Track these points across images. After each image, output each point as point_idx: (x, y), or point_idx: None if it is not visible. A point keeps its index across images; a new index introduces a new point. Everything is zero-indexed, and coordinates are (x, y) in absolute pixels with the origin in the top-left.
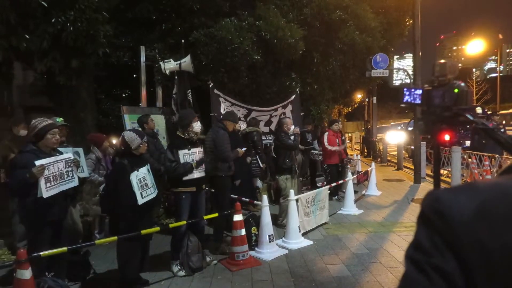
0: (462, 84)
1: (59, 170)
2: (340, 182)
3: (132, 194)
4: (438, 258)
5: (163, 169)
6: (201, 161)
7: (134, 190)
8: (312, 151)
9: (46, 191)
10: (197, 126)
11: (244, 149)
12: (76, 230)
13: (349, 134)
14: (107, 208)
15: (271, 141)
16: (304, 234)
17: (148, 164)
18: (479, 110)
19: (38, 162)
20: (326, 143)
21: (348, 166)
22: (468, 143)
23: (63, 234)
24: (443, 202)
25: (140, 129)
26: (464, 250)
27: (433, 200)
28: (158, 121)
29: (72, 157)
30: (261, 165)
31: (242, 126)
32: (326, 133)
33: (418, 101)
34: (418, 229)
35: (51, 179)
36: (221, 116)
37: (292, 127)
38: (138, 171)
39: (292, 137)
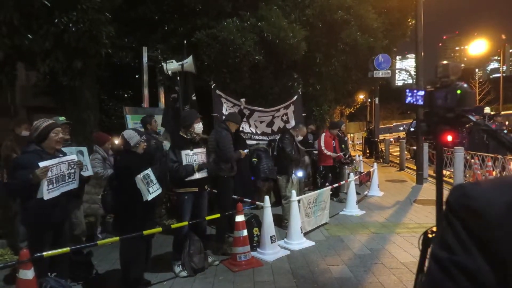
0: (465, 85)
1: (61, 172)
2: (342, 183)
3: (137, 192)
4: (462, 256)
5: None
6: (203, 166)
7: (141, 186)
8: (314, 151)
9: (48, 193)
10: (198, 127)
11: (246, 150)
12: (81, 228)
13: (351, 135)
14: (109, 207)
15: (267, 141)
16: (305, 235)
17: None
18: (487, 110)
19: (42, 164)
20: (322, 145)
21: (346, 166)
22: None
23: (64, 236)
24: (473, 198)
25: (142, 129)
26: (497, 245)
27: (461, 196)
28: (160, 122)
29: (76, 159)
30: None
31: (245, 126)
32: (323, 134)
33: (420, 102)
34: (445, 226)
35: (54, 181)
36: (224, 117)
37: (300, 138)
38: (145, 169)
39: (299, 139)
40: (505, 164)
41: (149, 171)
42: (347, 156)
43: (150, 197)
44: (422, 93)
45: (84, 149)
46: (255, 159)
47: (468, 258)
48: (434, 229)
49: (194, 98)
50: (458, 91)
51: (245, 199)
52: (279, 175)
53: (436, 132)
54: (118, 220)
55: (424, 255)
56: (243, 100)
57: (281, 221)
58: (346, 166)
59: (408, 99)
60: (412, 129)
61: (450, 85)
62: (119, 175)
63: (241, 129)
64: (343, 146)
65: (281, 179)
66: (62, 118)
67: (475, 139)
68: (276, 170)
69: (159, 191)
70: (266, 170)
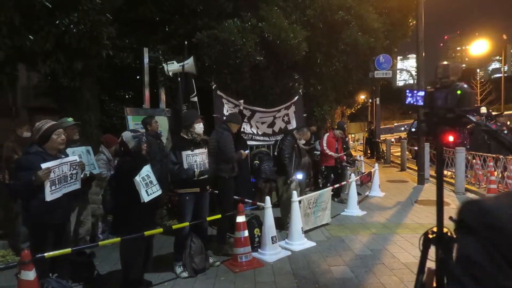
0: (465, 85)
1: (64, 173)
2: (343, 183)
3: (136, 193)
4: (501, 276)
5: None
6: (204, 172)
7: (139, 188)
8: (315, 152)
9: (50, 194)
10: (199, 127)
11: (247, 151)
12: (87, 227)
13: (352, 135)
14: (110, 208)
15: (273, 142)
16: (306, 236)
17: (150, 164)
18: (483, 110)
19: (44, 165)
20: (324, 145)
21: (348, 168)
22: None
23: (65, 236)
24: (494, 215)
25: (143, 130)
26: None
27: (480, 213)
28: (161, 123)
29: (78, 160)
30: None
31: (246, 127)
32: (326, 135)
33: (420, 102)
34: (466, 243)
35: (56, 182)
36: (225, 118)
37: (302, 142)
38: (141, 169)
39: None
40: (506, 165)
41: (149, 172)
42: (349, 158)
43: (147, 199)
44: (422, 93)
45: (90, 148)
46: (257, 162)
47: (506, 279)
48: (435, 229)
49: (195, 99)
50: (458, 92)
51: (246, 200)
52: (278, 176)
53: (436, 133)
54: (117, 221)
55: (424, 256)
56: (241, 101)
57: (282, 222)
58: (348, 167)
59: (408, 99)
60: (413, 130)
61: (450, 85)
62: (118, 176)
63: (242, 129)
64: (344, 146)
65: (279, 180)
66: (70, 119)
67: (477, 140)
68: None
69: (158, 192)
70: (267, 170)
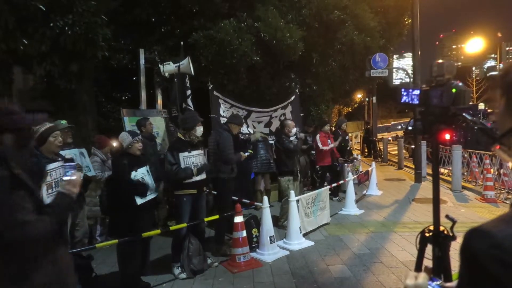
0: (460, 83)
1: (61, 176)
2: (340, 182)
3: (131, 194)
4: None
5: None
6: (202, 169)
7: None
8: (312, 151)
9: (47, 198)
10: (199, 130)
11: (247, 153)
12: (83, 230)
13: (350, 134)
14: (107, 209)
15: (271, 142)
16: (305, 235)
17: (148, 166)
18: (481, 106)
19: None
20: (320, 145)
21: (346, 165)
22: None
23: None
24: (506, 249)
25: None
26: None
27: (493, 248)
28: (158, 124)
29: (75, 162)
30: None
31: (243, 127)
32: (318, 135)
33: (416, 101)
34: (477, 281)
35: (53, 185)
36: (221, 118)
37: (294, 129)
38: (136, 171)
39: (293, 139)
40: (502, 162)
41: (144, 174)
42: (348, 157)
43: (140, 202)
44: (417, 92)
45: (84, 151)
46: (251, 151)
47: None
48: (432, 227)
49: (188, 99)
50: (453, 90)
51: (243, 200)
52: (280, 177)
53: (432, 131)
54: (114, 222)
55: (421, 254)
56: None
57: (278, 221)
58: (346, 164)
59: (404, 98)
60: (410, 128)
61: (445, 84)
62: (113, 177)
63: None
64: (343, 144)
65: (284, 180)
66: (64, 122)
67: (468, 136)
68: (273, 166)
69: (153, 195)
70: (258, 165)
